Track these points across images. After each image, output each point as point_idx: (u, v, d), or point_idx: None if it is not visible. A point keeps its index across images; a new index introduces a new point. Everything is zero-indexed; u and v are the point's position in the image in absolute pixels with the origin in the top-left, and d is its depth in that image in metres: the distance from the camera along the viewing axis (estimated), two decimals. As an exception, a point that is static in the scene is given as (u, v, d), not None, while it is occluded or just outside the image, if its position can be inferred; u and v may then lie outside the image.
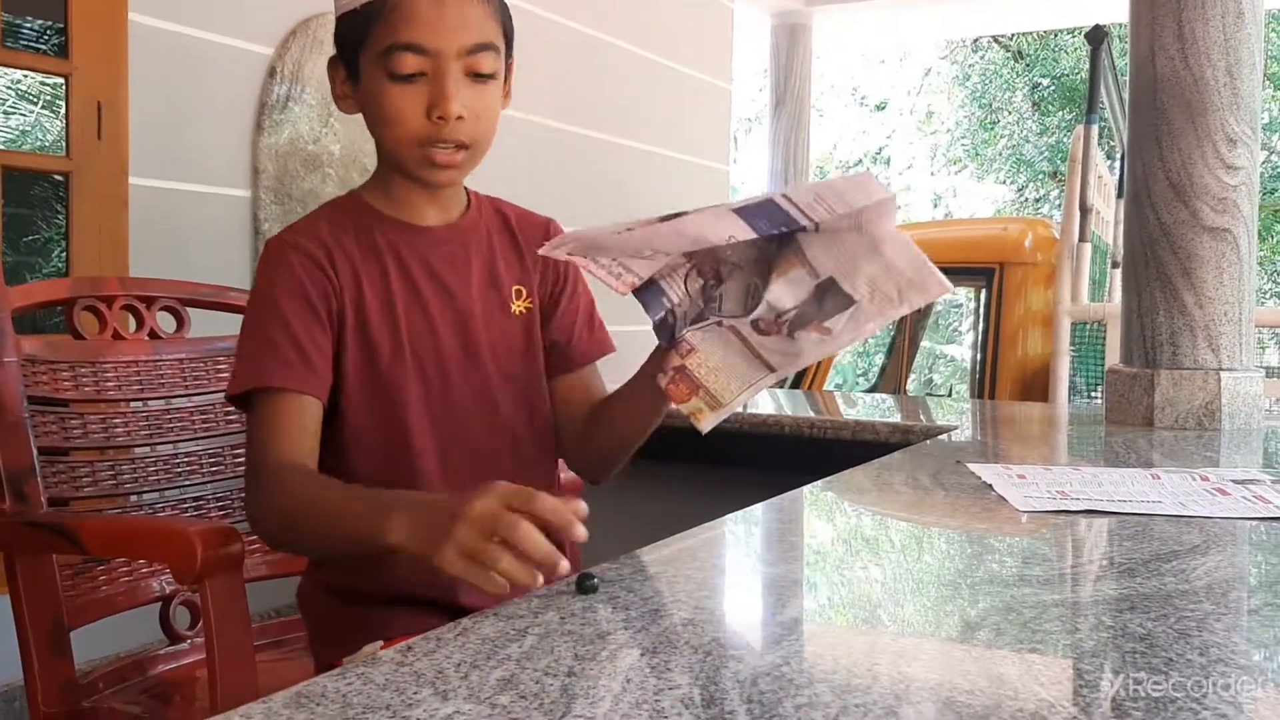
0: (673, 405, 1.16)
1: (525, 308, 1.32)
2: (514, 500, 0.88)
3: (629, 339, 1.40)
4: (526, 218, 1.37)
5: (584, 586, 0.88)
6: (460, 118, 1.17)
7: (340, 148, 2.99)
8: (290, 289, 1.19)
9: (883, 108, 16.09)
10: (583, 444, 1.36)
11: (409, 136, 1.19)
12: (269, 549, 1.58)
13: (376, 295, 1.23)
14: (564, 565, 0.86)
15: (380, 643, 1.19)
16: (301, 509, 1.09)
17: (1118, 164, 5.05)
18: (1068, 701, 0.65)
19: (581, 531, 0.88)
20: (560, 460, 1.45)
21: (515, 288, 1.32)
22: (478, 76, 1.19)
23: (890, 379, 5.03)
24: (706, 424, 1.11)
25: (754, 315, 1.06)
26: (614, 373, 1.39)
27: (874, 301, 1.03)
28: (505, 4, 1.25)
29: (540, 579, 0.86)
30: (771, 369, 1.09)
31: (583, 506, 0.89)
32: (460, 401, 1.26)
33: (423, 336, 1.25)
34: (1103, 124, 4.59)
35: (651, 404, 1.24)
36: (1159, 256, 2.24)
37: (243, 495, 1.57)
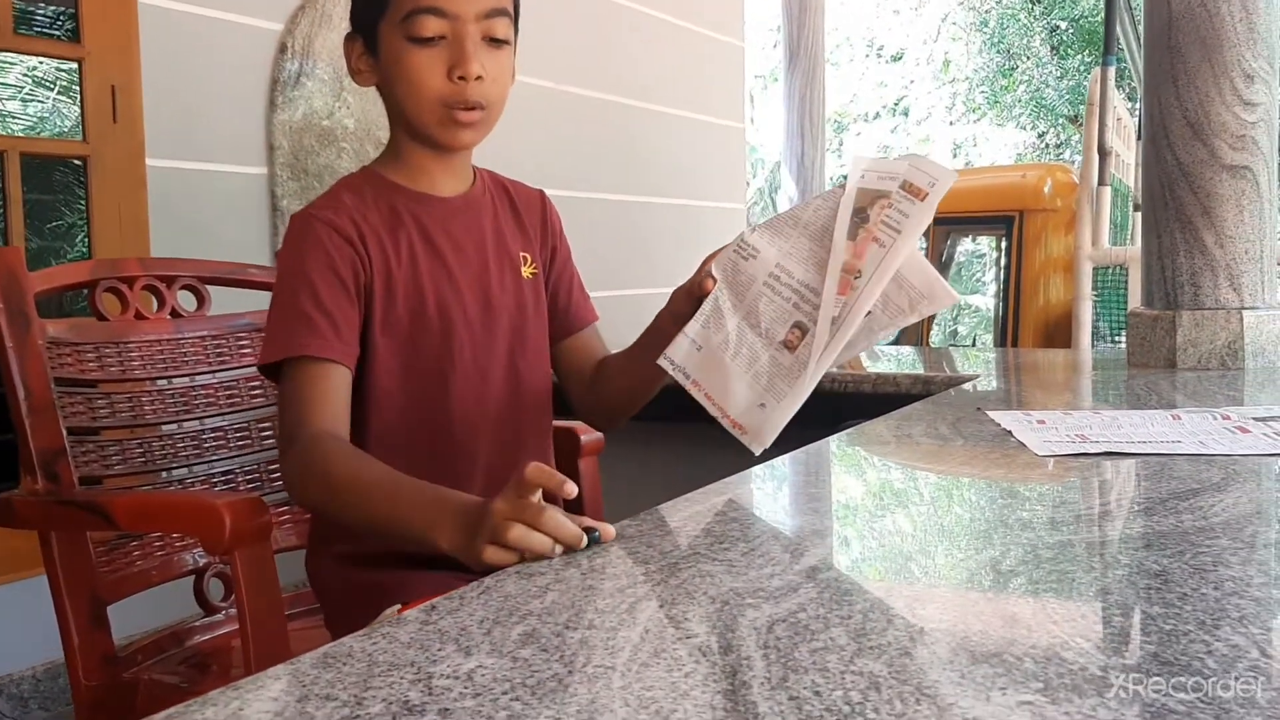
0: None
1: (533, 272, 1.39)
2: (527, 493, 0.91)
3: (616, 302, 1.44)
4: (523, 189, 1.44)
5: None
6: (480, 78, 1.23)
7: (354, 122, 3.00)
8: (319, 262, 1.22)
9: (899, 58, 15.93)
10: (593, 397, 1.44)
11: (431, 97, 1.24)
12: (298, 517, 1.61)
13: (403, 265, 1.27)
14: (583, 541, 0.89)
15: (398, 606, 1.22)
16: (347, 485, 1.10)
17: (1138, 105, 4.99)
18: (1081, 638, 0.66)
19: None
20: (581, 423, 1.54)
21: (521, 254, 1.38)
22: (493, 41, 1.26)
23: (912, 331, 5.01)
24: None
25: (779, 332, 1.12)
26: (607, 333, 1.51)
27: (886, 312, 1.09)
28: None
29: (559, 549, 0.88)
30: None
31: (570, 488, 0.93)
32: (487, 362, 1.32)
33: (448, 302, 1.30)
34: (1121, 65, 4.53)
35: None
36: (1178, 197, 2.22)
37: (272, 467, 1.61)
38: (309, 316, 1.20)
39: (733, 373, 1.13)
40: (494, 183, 1.41)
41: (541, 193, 1.46)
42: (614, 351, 1.46)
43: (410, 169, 1.31)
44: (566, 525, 0.89)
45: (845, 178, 1.16)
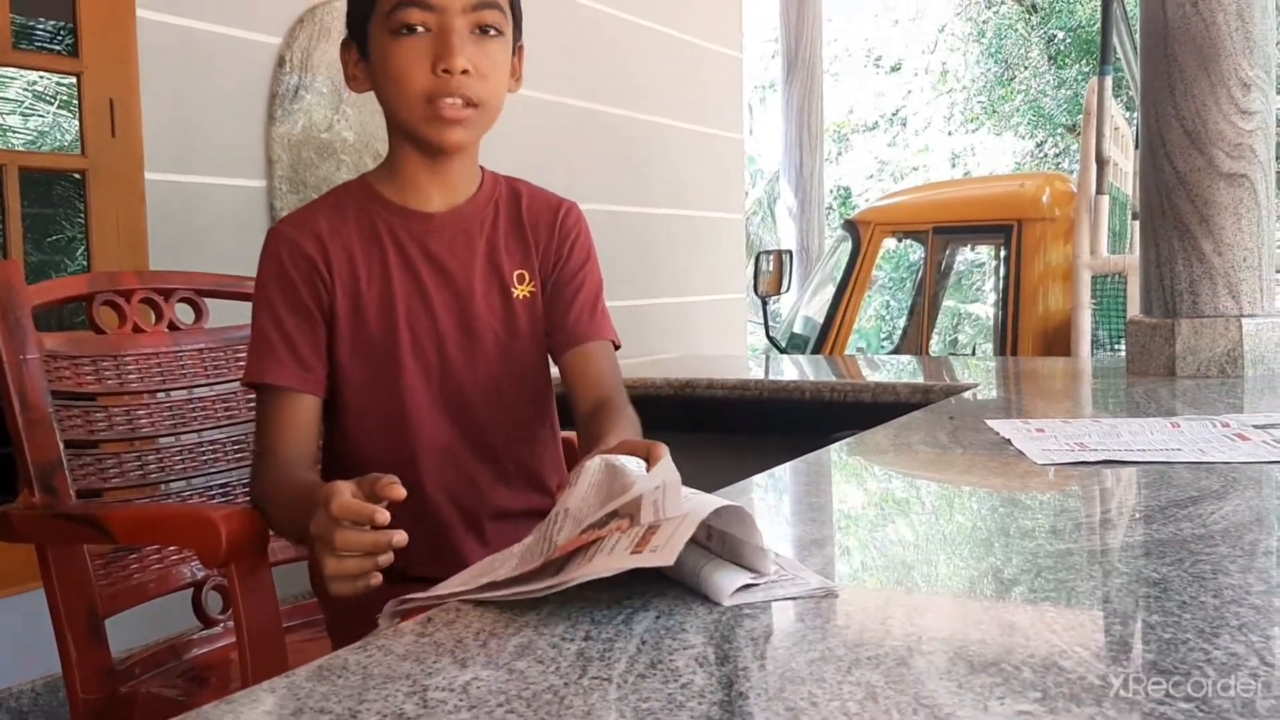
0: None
1: (528, 292, 1.33)
2: (333, 511, 0.94)
3: (614, 313, 1.40)
4: (540, 199, 1.37)
5: None
6: (466, 71, 1.19)
7: (354, 134, 3.00)
8: (280, 285, 1.25)
9: (898, 69, 15.97)
10: (586, 436, 1.27)
11: (415, 92, 1.20)
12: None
13: (374, 282, 1.26)
14: (395, 540, 0.95)
15: (397, 619, 1.21)
16: (270, 498, 1.19)
17: (1136, 115, 5.00)
18: (1079, 646, 0.65)
19: (384, 518, 0.93)
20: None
21: (518, 273, 1.33)
22: (483, 34, 1.21)
23: (912, 341, 5.01)
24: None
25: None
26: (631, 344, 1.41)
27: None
28: None
29: (375, 576, 0.96)
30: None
31: (397, 491, 0.96)
32: (461, 383, 1.30)
33: (421, 321, 1.28)
34: (1118, 74, 4.54)
35: None
36: (1176, 205, 2.22)
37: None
38: (271, 343, 1.24)
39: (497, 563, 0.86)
40: (508, 192, 1.35)
41: (563, 204, 1.37)
42: (613, 418, 1.23)
43: (401, 180, 1.29)
44: (360, 542, 0.94)
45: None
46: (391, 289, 1.26)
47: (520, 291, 1.33)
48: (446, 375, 1.29)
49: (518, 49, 1.30)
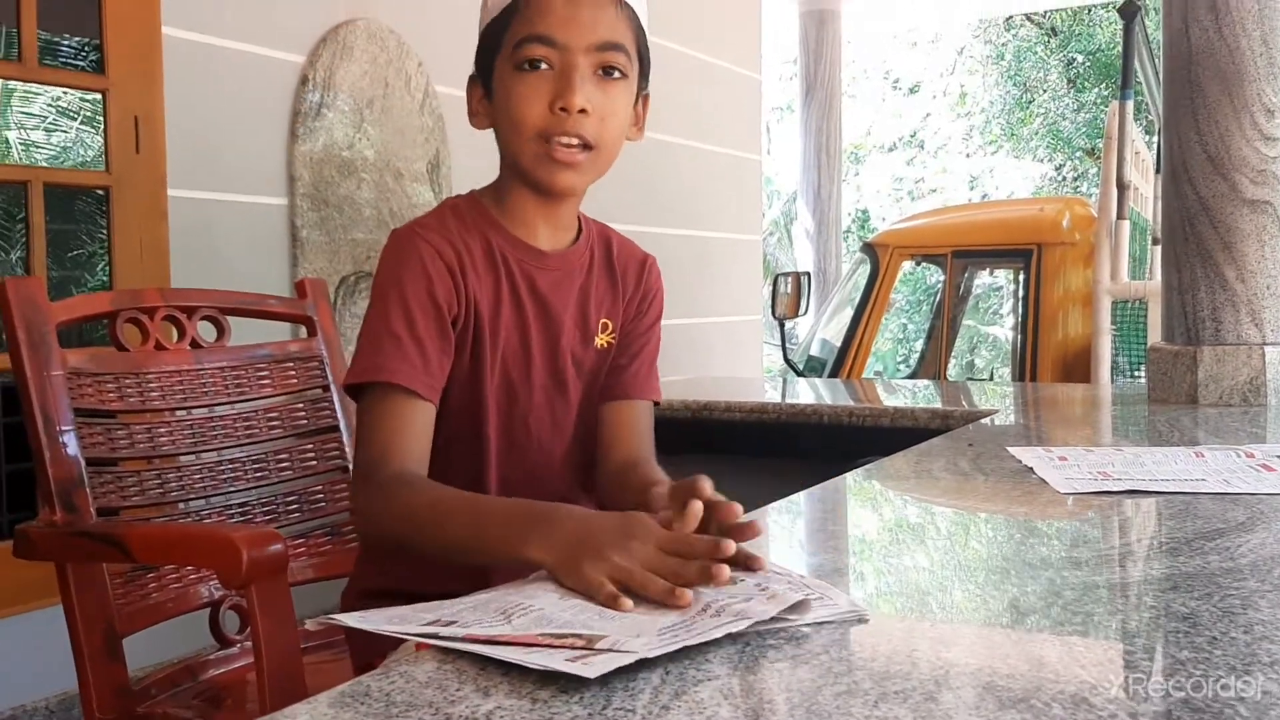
0: None
1: (608, 341, 1.32)
2: (670, 546, 0.86)
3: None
4: (628, 249, 1.37)
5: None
6: (584, 111, 1.16)
7: (374, 153, 3.01)
8: (419, 284, 1.17)
9: (916, 90, 15.97)
10: (614, 487, 1.27)
11: (530, 128, 1.17)
12: (313, 550, 1.60)
13: (488, 308, 1.22)
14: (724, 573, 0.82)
15: (415, 642, 1.20)
16: (428, 511, 1.07)
17: (1156, 139, 4.98)
18: (1109, 683, 0.64)
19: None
20: None
21: (603, 321, 1.31)
22: (607, 73, 1.18)
23: (930, 364, 4.99)
24: None
25: None
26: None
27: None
28: (641, 25, 1.23)
29: (689, 596, 0.80)
30: None
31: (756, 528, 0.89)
32: (537, 423, 1.27)
33: (517, 358, 1.25)
34: (1139, 99, 4.53)
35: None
36: (1198, 231, 2.21)
37: (289, 499, 1.60)
38: (399, 340, 1.15)
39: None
40: (600, 237, 1.34)
41: (648, 257, 1.39)
42: (657, 471, 1.24)
43: (511, 213, 1.26)
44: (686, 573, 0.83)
45: None
46: (500, 319, 1.23)
47: (601, 340, 1.31)
48: (528, 413, 1.26)
49: (642, 98, 1.27)
